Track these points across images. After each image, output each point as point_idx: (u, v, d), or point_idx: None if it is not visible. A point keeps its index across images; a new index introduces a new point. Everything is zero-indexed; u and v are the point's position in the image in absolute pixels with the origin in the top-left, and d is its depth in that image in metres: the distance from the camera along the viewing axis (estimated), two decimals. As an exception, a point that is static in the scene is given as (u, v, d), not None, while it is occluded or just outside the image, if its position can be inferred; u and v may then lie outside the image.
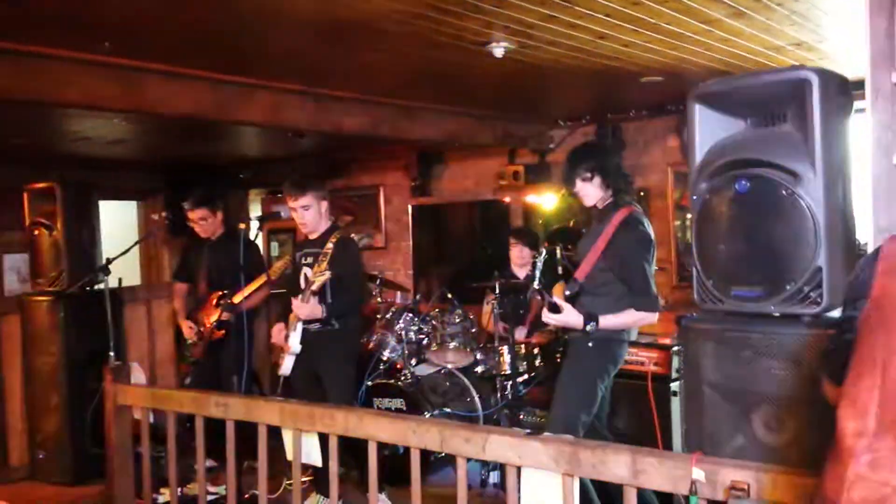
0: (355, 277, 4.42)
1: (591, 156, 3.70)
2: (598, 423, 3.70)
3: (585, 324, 3.43)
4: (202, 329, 5.08)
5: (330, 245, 4.29)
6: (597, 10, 3.29)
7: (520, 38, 3.73)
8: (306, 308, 4.18)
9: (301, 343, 4.31)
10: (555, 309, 3.46)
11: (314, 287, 4.12)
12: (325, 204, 4.44)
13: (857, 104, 2.59)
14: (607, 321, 3.46)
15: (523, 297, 5.34)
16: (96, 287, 5.26)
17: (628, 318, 3.50)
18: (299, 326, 4.29)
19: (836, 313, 2.46)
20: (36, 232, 5.46)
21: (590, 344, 3.55)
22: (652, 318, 3.54)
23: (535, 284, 3.55)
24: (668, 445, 4.03)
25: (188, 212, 5.15)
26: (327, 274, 4.09)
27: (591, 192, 3.67)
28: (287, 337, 4.34)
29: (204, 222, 5.13)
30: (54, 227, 5.34)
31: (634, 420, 4.18)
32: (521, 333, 5.13)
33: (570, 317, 3.46)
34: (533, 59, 4.12)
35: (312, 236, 4.48)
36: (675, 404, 4.09)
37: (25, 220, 5.53)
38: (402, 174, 7.88)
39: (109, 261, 4.74)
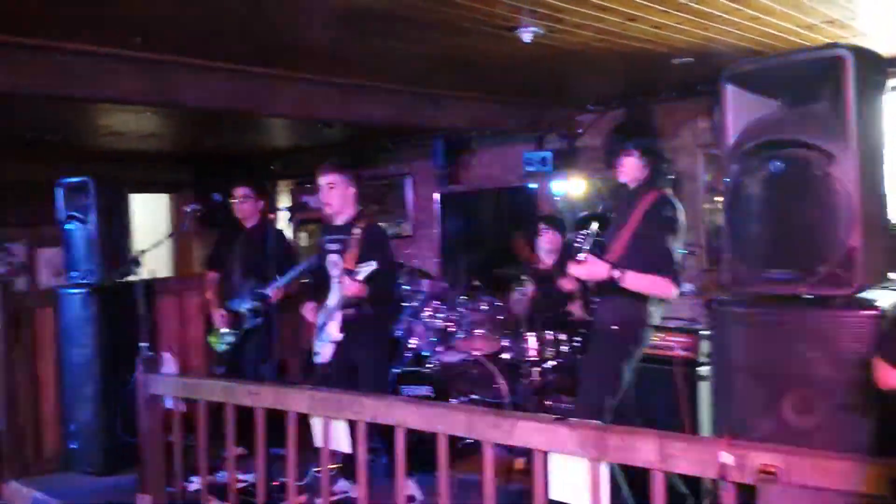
0: (388, 264, 4.40)
1: (637, 132, 3.77)
2: (624, 407, 3.68)
3: (611, 271, 3.43)
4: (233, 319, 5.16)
5: (357, 230, 4.28)
6: (626, -8, 3.25)
7: (548, 23, 3.70)
8: (355, 286, 4.10)
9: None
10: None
11: (360, 277, 4.09)
12: (351, 190, 4.43)
13: (891, 82, 2.53)
14: (632, 276, 3.44)
15: (553, 286, 5.31)
16: (129, 279, 5.32)
17: (652, 281, 3.48)
18: (338, 315, 4.29)
19: (868, 295, 2.41)
20: (69, 226, 5.53)
21: (614, 327, 3.56)
22: (670, 289, 3.51)
23: (581, 256, 3.51)
24: (696, 431, 3.99)
25: (234, 189, 5.27)
26: (374, 264, 4.06)
27: (632, 168, 3.68)
28: (325, 325, 4.34)
29: (245, 202, 5.23)
30: (87, 221, 5.40)
31: (662, 405, 4.14)
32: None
33: (596, 267, 3.47)
34: (562, 43, 4.08)
35: (337, 222, 4.47)
36: (704, 389, 4.04)
37: (59, 215, 5.60)
38: (429, 162, 7.86)
39: (142, 254, 4.80)
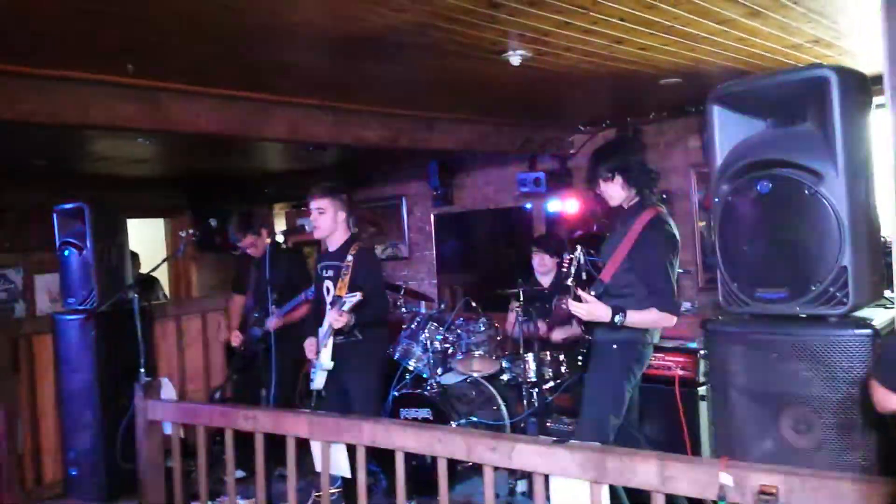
0: (377, 290, 4.43)
1: (611, 155, 3.69)
2: (628, 426, 3.67)
3: (613, 315, 3.42)
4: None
5: (350, 258, 4.30)
6: (612, 15, 3.28)
7: (536, 46, 3.74)
8: (342, 319, 4.15)
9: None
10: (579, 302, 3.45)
11: (345, 308, 4.11)
12: (342, 214, 4.43)
13: (876, 99, 2.57)
14: (633, 316, 3.44)
15: (548, 305, 5.33)
16: (126, 304, 5.33)
17: (652, 317, 3.48)
18: (330, 342, 4.30)
19: (862, 313, 2.44)
20: (66, 252, 5.54)
21: (614, 346, 3.54)
22: (672, 320, 3.51)
23: (569, 281, 3.49)
24: (696, 451, 3.99)
25: (238, 241, 5.35)
26: (358, 296, 4.08)
27: (614, 192, 3.65)
28: (318, 353, 4.35)
29: (254, 247, 5.31)
30: (84, 246, 5.42)
31: (662, 425, 4.15)
32: (542, 328, 5.11)
33: (597, 309, 3.44)
34: (550, 65, 4.12)
35: (332, 248, 4.49)
36: (704, 409, 4.05)
37: (55, 241, 5.61)
38: (423, 184, 7.90)
39: (138, 278, 4.82)
